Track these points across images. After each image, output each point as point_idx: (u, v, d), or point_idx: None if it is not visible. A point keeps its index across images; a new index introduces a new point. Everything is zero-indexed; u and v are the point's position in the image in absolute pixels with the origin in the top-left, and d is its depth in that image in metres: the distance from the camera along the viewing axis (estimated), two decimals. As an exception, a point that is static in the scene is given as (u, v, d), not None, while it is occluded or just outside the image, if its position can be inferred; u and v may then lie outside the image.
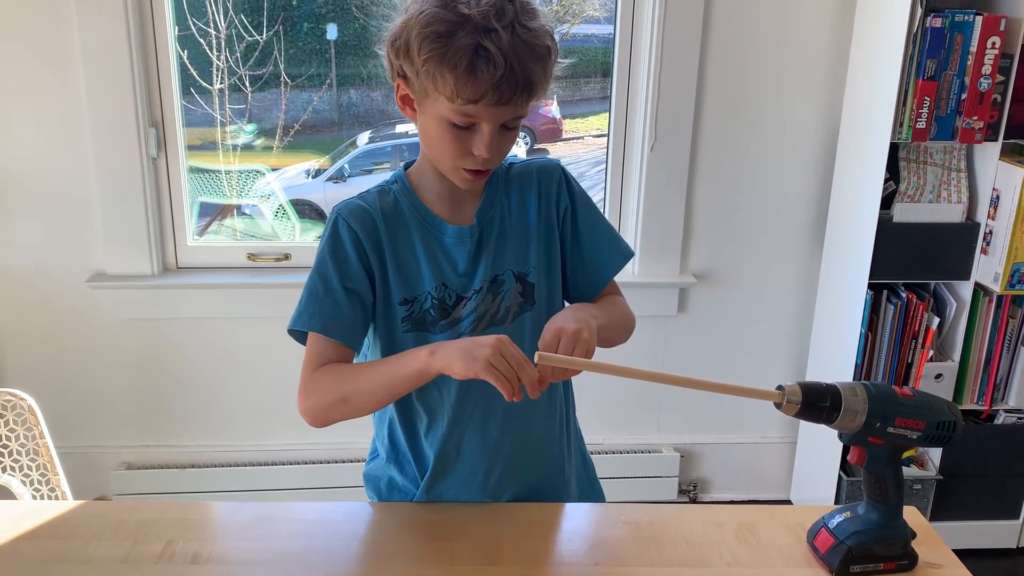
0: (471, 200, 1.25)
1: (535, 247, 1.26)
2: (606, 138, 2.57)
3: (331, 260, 1.19)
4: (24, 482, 1.50)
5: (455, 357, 1.06)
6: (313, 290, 1.19)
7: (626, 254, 1.32)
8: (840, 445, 2.11)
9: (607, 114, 2.54)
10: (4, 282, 2.46)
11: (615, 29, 2.42)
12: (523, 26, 1.07)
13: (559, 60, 1.15)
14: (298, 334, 1.21)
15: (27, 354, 2.52)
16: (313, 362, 1.18)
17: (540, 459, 1.33)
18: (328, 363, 1.17)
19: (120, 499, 2.54)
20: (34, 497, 1.50)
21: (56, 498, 1.50)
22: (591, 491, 1.44)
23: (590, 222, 1.30)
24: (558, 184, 1.29)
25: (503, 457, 1.28)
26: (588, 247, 1.30)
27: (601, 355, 1.11)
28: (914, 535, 1.13)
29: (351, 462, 2.60)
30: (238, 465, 2.61)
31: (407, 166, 1.27)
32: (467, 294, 1.22)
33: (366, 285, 1.20)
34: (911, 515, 1.18)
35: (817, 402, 1.04)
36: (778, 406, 1.05)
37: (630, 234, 2.53)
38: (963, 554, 1.17)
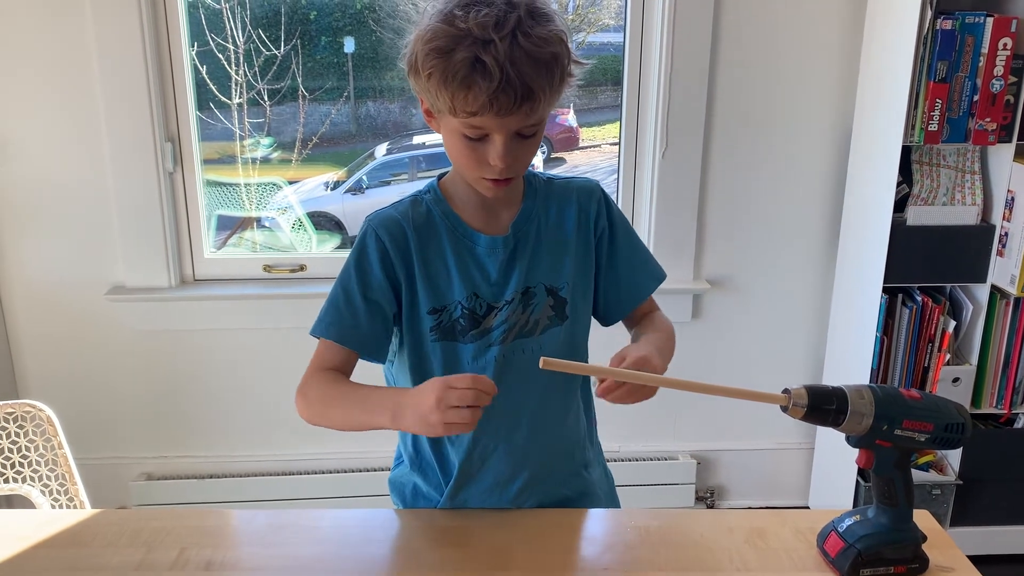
0: (508, 210, 1.25)
1: (571, 262, 1.27)
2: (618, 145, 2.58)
3: (355, 271, 1.21)
4: (43, 492, 1.53)
5: (416, 426, 1.08)
6: (334, 299, 1.21)
7: (659, 277, 1.36)
8: (856, 450, 2.10)
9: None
10: (24, 295, 2.49)
11: (625, 36, 2.43)
12: (525, 34, 1.06)
13: (580, 62, 1.14)
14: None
15: (47, 366, 2.56)
16: (317, 363, 1.20)
17: (565, 467, 1.33)
18: (331, 367, 1.19)
19: (139, 510, 2.57)
20: (53, 507, 1.52)
21: (75, 507, 1.52)
22: (611, 502, 1.44)
23: (629, 245, 1.33)
24: (598, 204, 1.30)
25: (528, 465, 1.28)
26: (624, 269, 1.32)
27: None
28: (924, 538, 1.12)
29: (373, 471, 2.60)
30: (258, 475, 2.63)
31: (441, 176, 1.28)
32: (498, 304, 1.23)
33: (389, 296, 1.21)
34: (923, 519, 1.17)
35: (823, 405, 1.05)
36: (784, 409, 1.05)
37: (643, 240, 2.52)
38: (985, 560, 1.17)
